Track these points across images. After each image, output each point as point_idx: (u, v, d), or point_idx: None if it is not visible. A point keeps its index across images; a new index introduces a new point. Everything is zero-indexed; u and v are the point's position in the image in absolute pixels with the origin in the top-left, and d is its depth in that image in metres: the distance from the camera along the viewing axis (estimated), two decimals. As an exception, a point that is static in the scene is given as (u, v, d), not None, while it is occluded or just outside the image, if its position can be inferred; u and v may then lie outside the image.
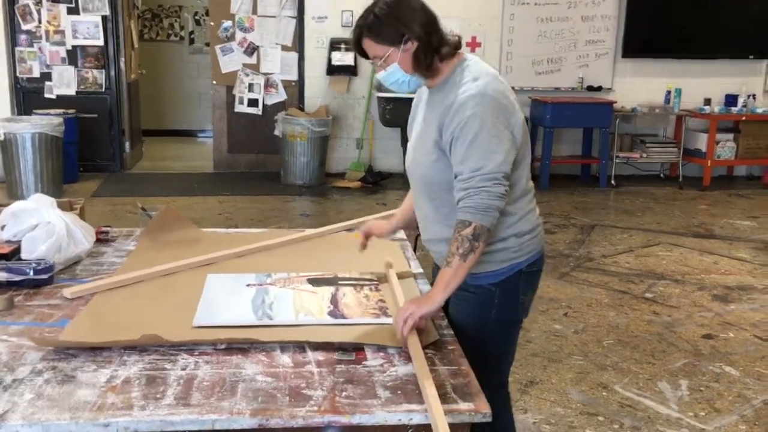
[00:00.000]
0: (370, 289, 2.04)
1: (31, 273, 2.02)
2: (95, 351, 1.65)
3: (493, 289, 1.93)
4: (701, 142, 7.53)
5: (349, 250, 2.37)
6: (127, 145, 7.82)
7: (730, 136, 7.57)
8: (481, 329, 1.95)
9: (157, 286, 2.08)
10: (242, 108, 7.67)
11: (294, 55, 7.58)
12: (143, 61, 8.66)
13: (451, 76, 1.89)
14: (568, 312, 4.01)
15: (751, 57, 7.81)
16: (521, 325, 2.04)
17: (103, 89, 7.47)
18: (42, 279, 2.04)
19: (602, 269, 4.77)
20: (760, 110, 7.56)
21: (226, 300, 1.94)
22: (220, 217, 5.94)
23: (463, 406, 1.45)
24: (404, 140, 7.55)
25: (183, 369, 1.57)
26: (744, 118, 7.47)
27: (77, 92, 7.41)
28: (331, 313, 1.86)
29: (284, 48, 7.57)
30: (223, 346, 1.69)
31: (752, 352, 3.54)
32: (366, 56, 1.90)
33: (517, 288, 1.96)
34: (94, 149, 7.45)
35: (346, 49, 7.36)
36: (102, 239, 2.47)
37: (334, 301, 1.95)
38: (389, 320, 1.82)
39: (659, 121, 7.77)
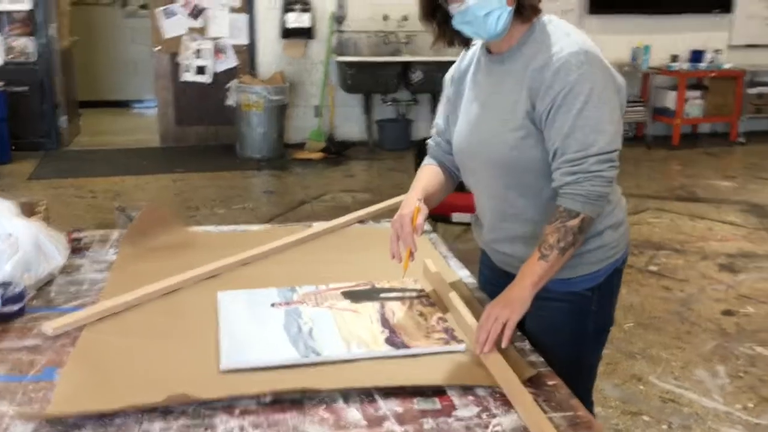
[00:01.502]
0: (422, 303, 1.69)
1: (-2, 304, 1.60)
2: (104, 418, 1.25)
3: (590, 294, 1.63)
4: (670, 100, 7.37)
5: (366, 243, 2.06)
6: (63, 119, 7.15)
7: (698, 93, 7.43)
8: (576, 343, 1.65)
9: (156, 311, 1.68)
10: (189, 76, 7.08)
11: (244, 17, 7.01)
12: (75, 26, 7.92)
13: (530, 33, 1.54)
14: (575, 291, 3.74)
15: (716, 11, 7.65)
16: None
17: (34, 59, 6.77)
18: (12, 311, 1.61)
19: (597, 241, 4.52)
20: (726, 66, 7.44)
21: (253, 330, 1.55)
22: (177, 198, 5.44)
23: (607, 474, 1.13)
24: (367, 108, 7.14)
25: (227, 439, 1.20)
26: (714, 74, 7.33)
27: (5, 62, 6.69)
28: (390, 341, 1.50)
29: (233, 9, 6.99)
30: (268, 399, 1.32)
31: (777, 329, 3.36)
32: None
33: (612, 290, 1.67)
34: (27, 125, 6.77)
35: (302, 10, 6.84)
36: (75, 248, 2.04)
37: (385, 323, 1.59)
38: (461, 347, 1.49)
39: (627, 80, 7.52)
